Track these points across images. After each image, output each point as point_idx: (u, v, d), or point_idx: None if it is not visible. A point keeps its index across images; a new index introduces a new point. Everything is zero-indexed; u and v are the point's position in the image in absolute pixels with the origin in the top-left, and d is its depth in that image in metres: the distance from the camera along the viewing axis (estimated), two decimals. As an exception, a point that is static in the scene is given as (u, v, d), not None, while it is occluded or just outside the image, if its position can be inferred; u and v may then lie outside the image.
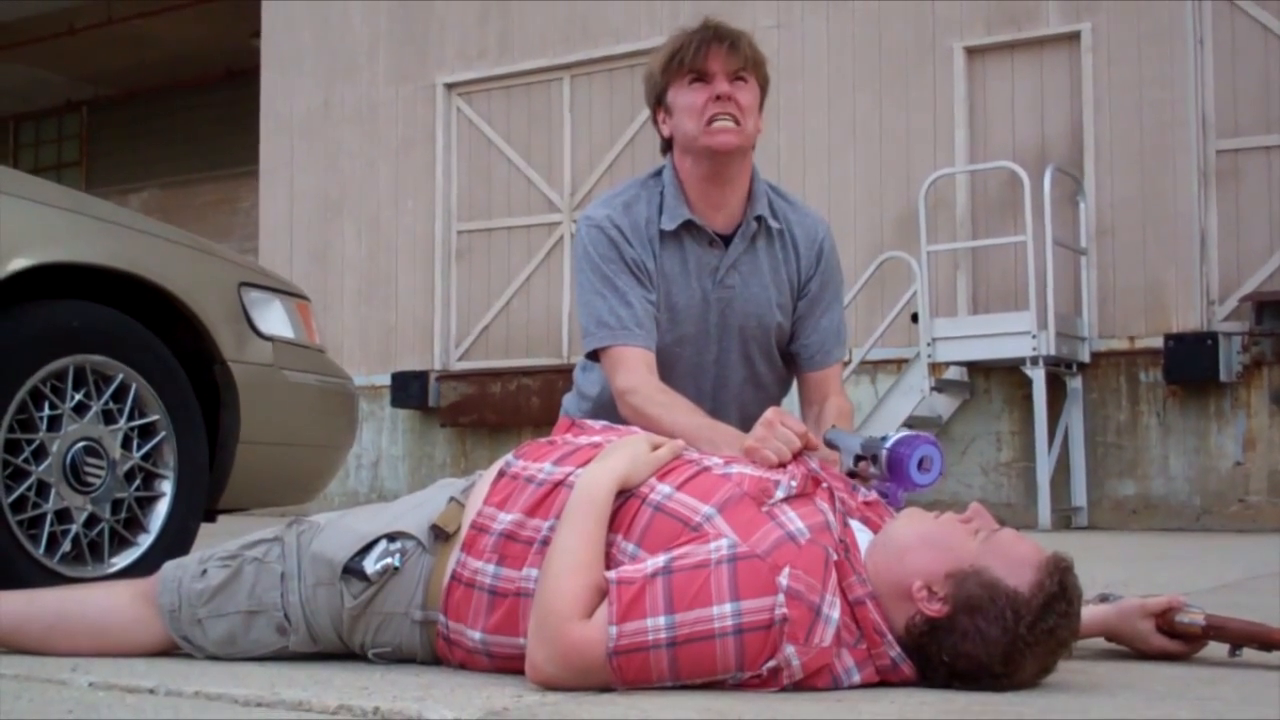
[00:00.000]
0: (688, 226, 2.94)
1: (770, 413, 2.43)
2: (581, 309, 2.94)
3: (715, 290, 2.96)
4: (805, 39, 10.37)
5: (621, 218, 2.93)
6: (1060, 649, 2.04)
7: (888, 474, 2.36)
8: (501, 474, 2.33)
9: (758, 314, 2.98)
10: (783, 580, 1.98)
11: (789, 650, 1.96)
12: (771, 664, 1.96)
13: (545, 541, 2.15)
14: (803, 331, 3.05)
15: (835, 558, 2.06)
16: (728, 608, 1.96)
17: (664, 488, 2.17)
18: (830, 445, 2.49)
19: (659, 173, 3.02)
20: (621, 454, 2.22)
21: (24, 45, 16.85)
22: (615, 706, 1.86)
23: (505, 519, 2.23)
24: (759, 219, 2.97)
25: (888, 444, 2.38)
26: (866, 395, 9.67)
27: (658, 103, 2.99)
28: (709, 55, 2.88)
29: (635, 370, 2.82)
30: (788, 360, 3.09)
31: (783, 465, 2.31)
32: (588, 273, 2.92)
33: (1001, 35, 9.73)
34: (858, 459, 2.42)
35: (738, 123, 2.86)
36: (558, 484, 2.24)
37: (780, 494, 2.14)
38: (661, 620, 1.96)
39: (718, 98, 2.86)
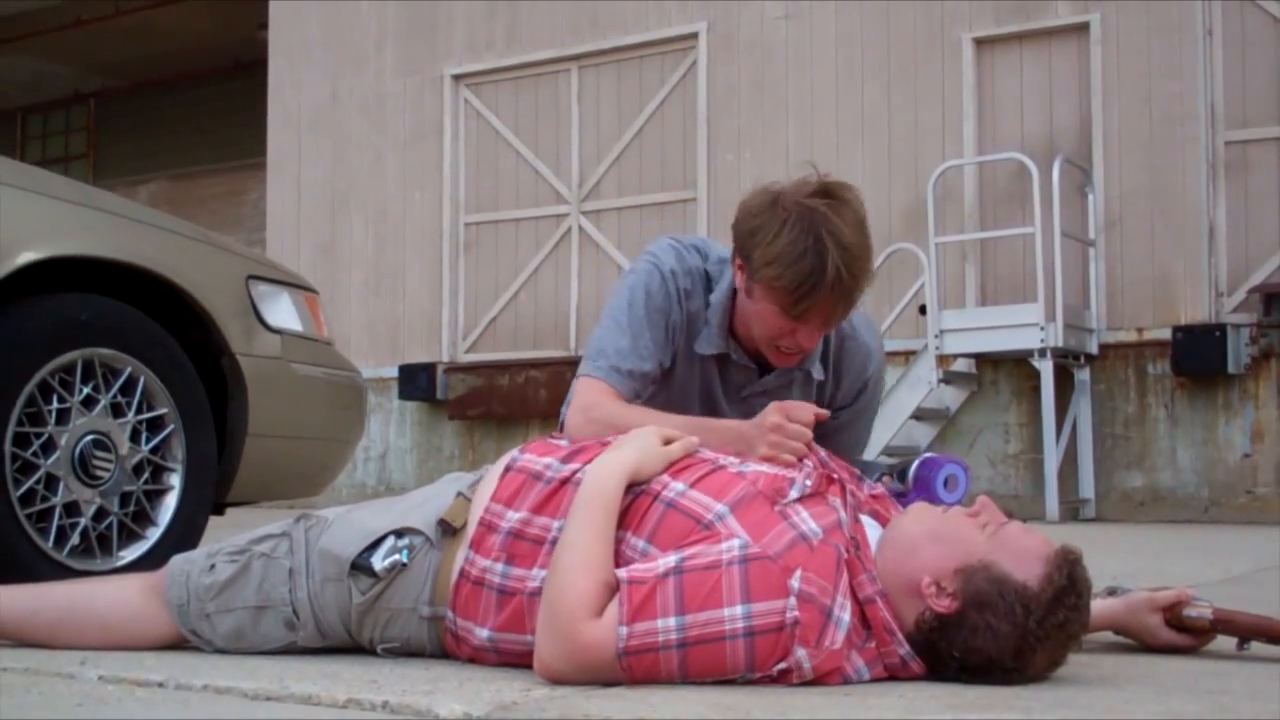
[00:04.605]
0: (722, 357, 2.73)
1: (774, 414, 2.37)
2: (600, 330, 2.75)
3: (734, 405, 2.76)
4: (814, 30, 10.36)
5: (684, 279, 2.73)
6: (1070, 643, 2.04)
7: (913, 489, 2.37)
8: (508, 469, 2.32)
9: None
10: (794, 583, 1.97)
11: (800, 653, 1.95)
12: (782, 666, 1.96)
13: (554, 542, 2.13)
14: (819, 440, 2.70)
15: (846, 556, 2.05)
16: (739, 610, 1.94)
17: (677, 485, 2.15)
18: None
19: (721, 265, 2.74)
20: (632, 446, 2.21)
21: (31, 37, 16.85)
22: (624, 701, 1.86)
23: (513, 517, 2.23)
24: (804, 368, 2.76)
25: (914, 464, 2.39)
26: (874, 387, 9.65)
27: (744, 255, 2.56)
28: (815, 308, 2.51)
29: (603, 394, 2.67)
30: None
31: (800, 459, 2.31)
32: (624, 305, 2.71)
33: (1010, 26, 9.71)
34: (880, 475, 2.42)
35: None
36: (565, 481, 2.23)
37: (794, 493, 2.13)
38: (672, 621, 1.95)
39: (795, 341, 2.57)
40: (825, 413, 2.40)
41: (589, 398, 2.67)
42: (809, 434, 2.34)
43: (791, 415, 2.36)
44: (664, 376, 2.74)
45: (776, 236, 2.47)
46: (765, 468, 2.22)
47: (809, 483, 2.16)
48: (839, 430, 2.76)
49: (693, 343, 2.74)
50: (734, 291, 2.68)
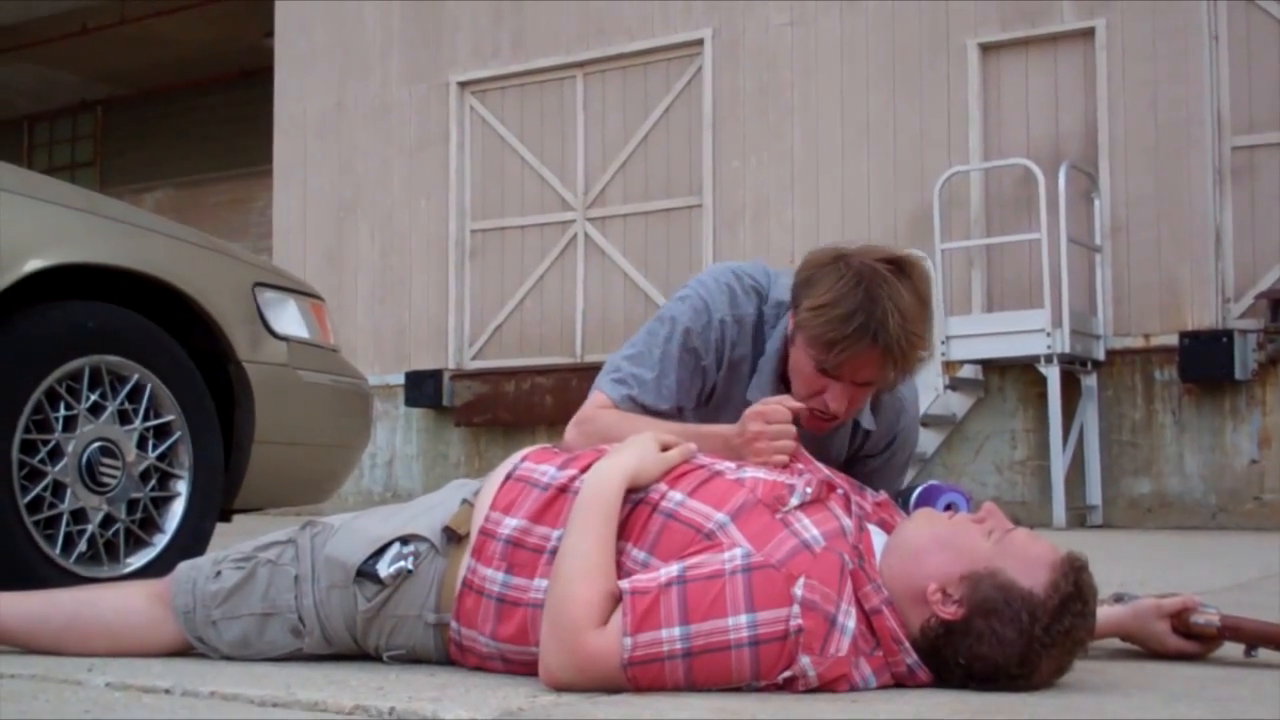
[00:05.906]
0: None
1: (753, 422, 2.33)
2: (632, 349, 2.69)
3: None
4: (819, 36, 10.36)
5: (732, 328, 2.67)
6: (1077, 649, 2.03)
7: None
8: (508, 476, 2.31)
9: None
10: (798, 591, 1.96)
11: (804, 661, 1.95)
12: (787, 674, 1.96)
13: (554, 552, 2.13)
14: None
15: (851, 566, 2.04)
16: (743, 619, 1.94)
17: (675, 494, 2.14)
18: None
19: (779, 310, 2.67)
20: (631, 451, 2.20)
21: (37, 45, 16.89)
22: (630, 706, 1.86)
23: (510, 524, 2.22)
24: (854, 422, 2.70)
25: (915, 491, 2.41)
26: (880, 393, 9.64)
27: (795, 302, 2.52)
28: (848, 364, 2.44)
29: (602, 408, 2.65)
30: None
31: (793, 459, 2.30)
32: (663, 337, 2.66)
33: (1016, 32, 9.71)
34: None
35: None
36: (562, 489, 2.22)
37: (795, 501, 2.12)
38: (676, 631, 1.95)
39: (823, 402, 2.49)
40: (801, 405, 2.35)
41: (590, 412, 2.66)
42: (793, 429, 2.32)
43: (770, 418, 2.34)
44: (710, 417, 2.68)
45: (829, 289, 2.41)
46: (763, 473, 2.21)
47: (809, 490, 2.15)
48: (868, 477, 2.68)
49: (735, 387, 2.68)
50: (786, 345, 2.61)
